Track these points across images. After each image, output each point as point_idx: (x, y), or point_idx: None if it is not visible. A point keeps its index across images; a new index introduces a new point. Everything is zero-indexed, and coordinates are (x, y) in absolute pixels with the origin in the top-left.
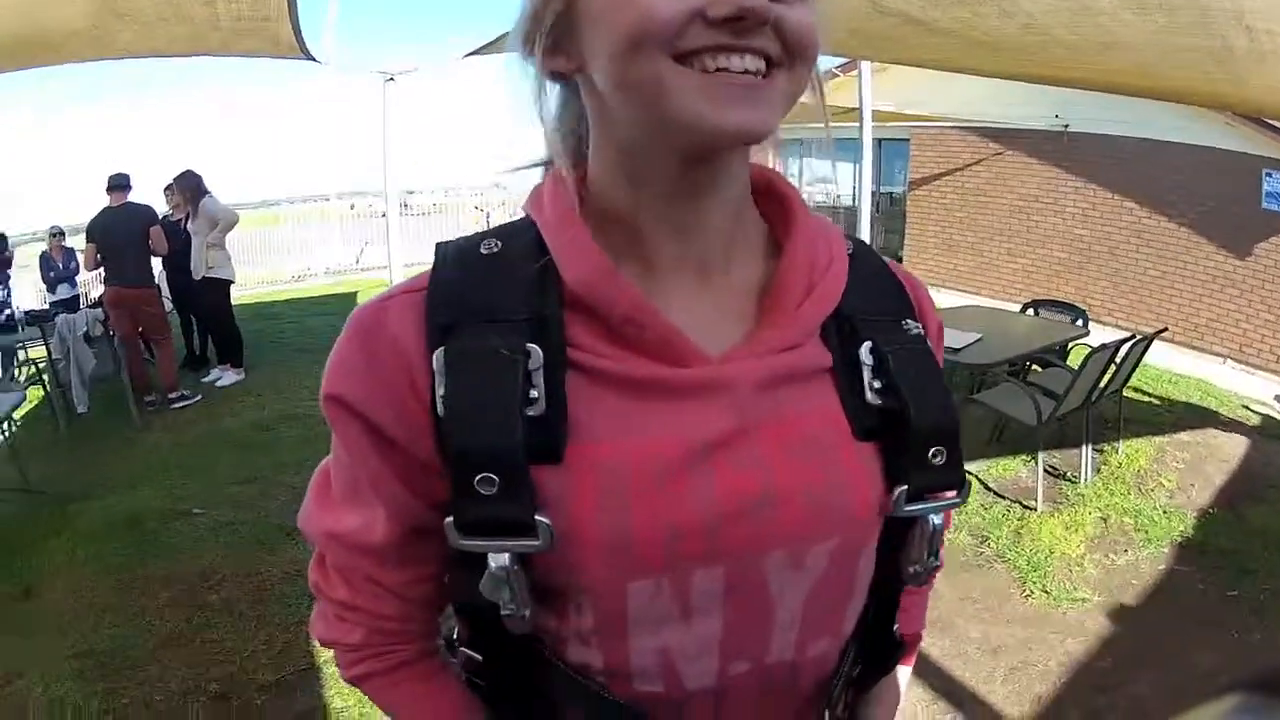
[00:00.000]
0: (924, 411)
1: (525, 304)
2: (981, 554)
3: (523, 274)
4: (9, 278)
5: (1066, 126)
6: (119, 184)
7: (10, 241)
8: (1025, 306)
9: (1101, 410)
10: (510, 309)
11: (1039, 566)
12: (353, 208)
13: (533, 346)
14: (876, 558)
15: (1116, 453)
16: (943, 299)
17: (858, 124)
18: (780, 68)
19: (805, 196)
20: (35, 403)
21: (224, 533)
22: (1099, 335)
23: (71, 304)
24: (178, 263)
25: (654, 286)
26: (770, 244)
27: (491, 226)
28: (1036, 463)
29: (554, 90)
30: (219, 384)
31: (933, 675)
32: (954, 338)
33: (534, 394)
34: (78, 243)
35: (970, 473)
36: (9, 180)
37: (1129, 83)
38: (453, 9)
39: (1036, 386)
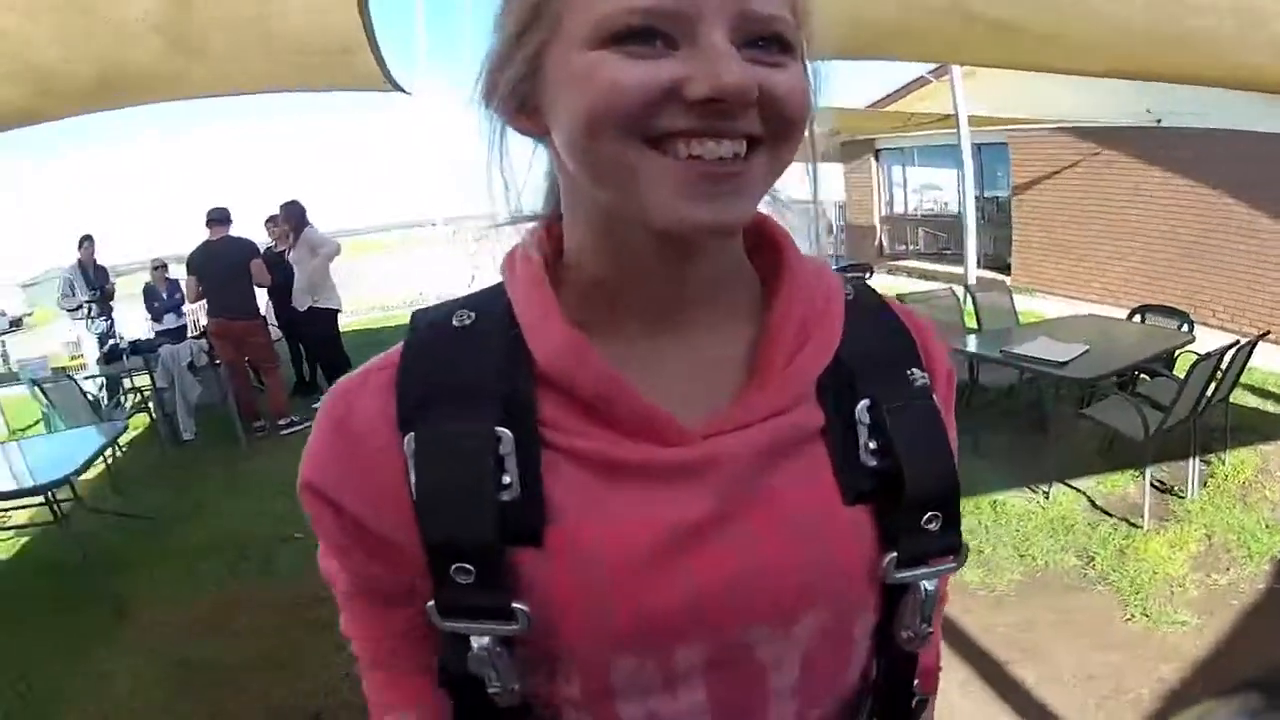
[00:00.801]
0: (920, 475)
1: (496, 382)
2: (1085, 575)
3: (494, 348)
4: (112, 309)
5: (1159, 121)
6: (218, 218)
7: (111, 273)
8: (1132, 313)
9: (1209, 419)
10: (481, 388)
11: (1141, 588)
12: (455, 233)
13: (503, 431)
14: (878, 629)
15: (1223, 464)
16: (1051, 306)
17: (955, 130)
18: (763, 144)
19: (915, 204)
20: (140, 430)
21: None
22: (1205, 337)
23: (178, 333)
24: (282, 293)
25: (632, 355)
26: (762, 297)
27: (479, 290)
28: (1144, 478)
29: (526, 141)
30: None
31: (1024, 704)
32: (1061, 350)
33: (507, 479)
34: (179, 273)
35: (1080, 490)
36: (109, 214)
37: (1209, 74)
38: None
39: (1144, 398)
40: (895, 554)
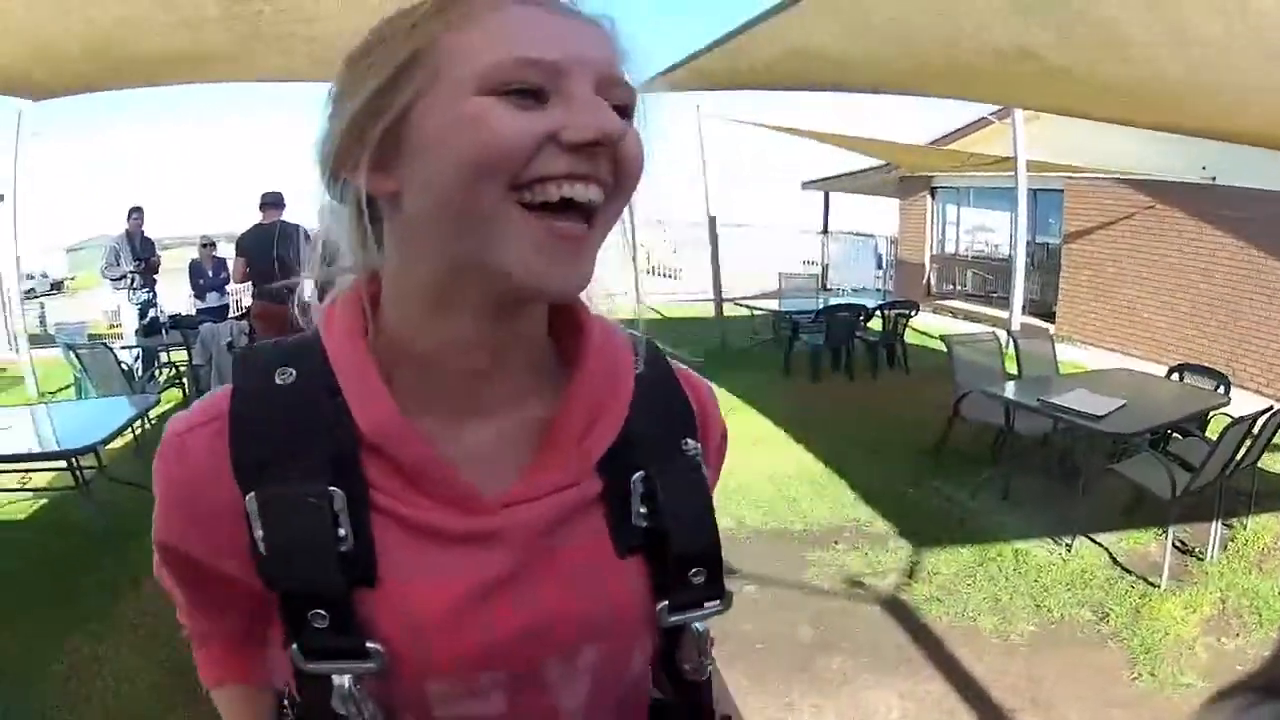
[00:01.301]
0: (685, 538)
1: (323, 444)
2: (1099, 631)
3: (318, 409)
4: (155, 282)
5: (1214, 179)
6: (272, 202)
7: (157, 245)
8: (1171, 371)
9: (1235, 483)
10: (310, 448)
11: (1152, 648)
12: None
13: (335, 490)
14: (665, 661)
15: (1245, 529)
16: (1093, 357)
17: (1012, 173)
18: (607, 201)
19: (966, 244)
20: (172, 405)
21: None
22: (1240, 400)
23: (220, 312)
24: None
25: (442, 428)
26: (560, 369)
27: (293, 339)
28: (1166, 537)
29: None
30: None
31: None
32: (1098, 404)
33: (342, 532)
34: (227, 253)
35: (1102, 545)
36: (164, 186)
37: (1263, 135)
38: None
39: (1174, 457)
40: (666, 602)
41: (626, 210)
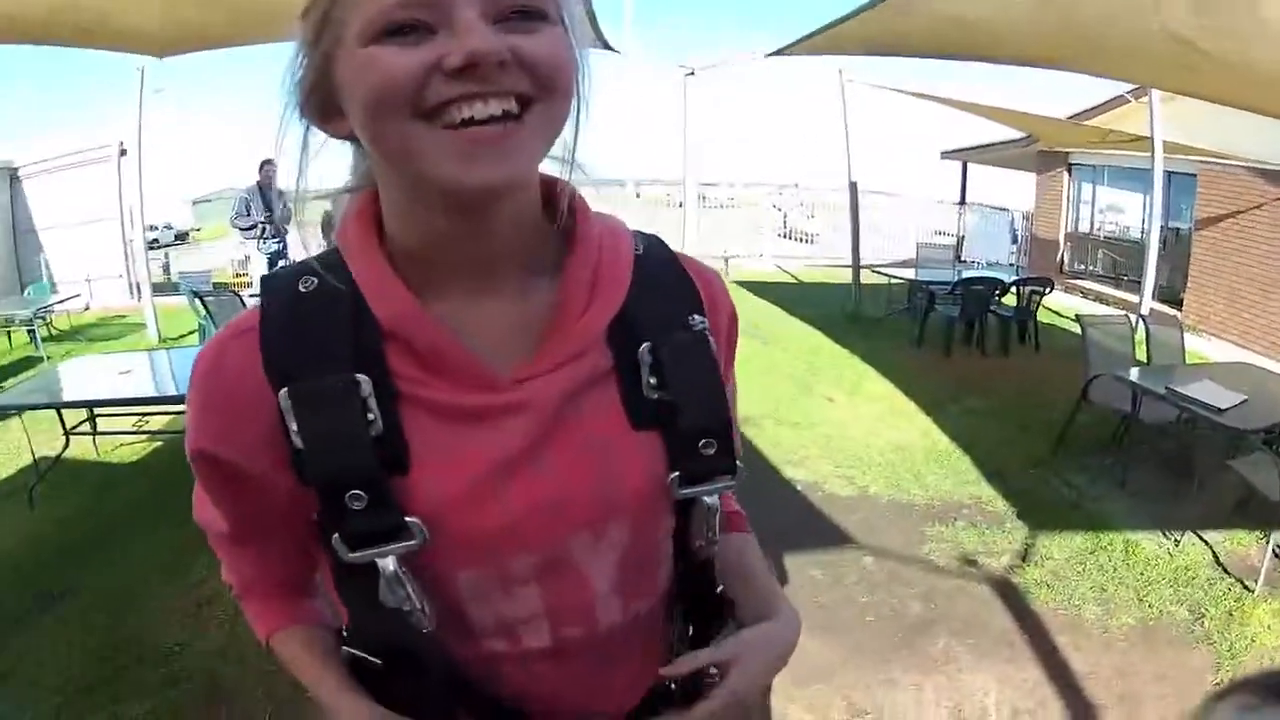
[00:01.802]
0: (693, 406)
1: (347, 338)
2: (1192, 632)
3: (340, 308)
4: (287, 232)
5: None
6: None
7: (289, 197)
8: None
9: None
10: (335, 344)
11: (1238, 654)
12: (639, 195)
13: (361, 377)
14: (677, 538)
15: None
16: (1215, 349)
17: (1147, 154)
18: (533, 102)
19: (1098, 224)
20: None
21: None
22: None
23: None
24: None
25: (452, 314)
26: (563, 255)
27: (315, 256)
28: (1268, 541)
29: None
30: None
31: None
32: (1220, 396)
33: (371, 417)
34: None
35: (1208, 543)
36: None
37: None
38: (756, 7)
39: None
40: (677, 473)
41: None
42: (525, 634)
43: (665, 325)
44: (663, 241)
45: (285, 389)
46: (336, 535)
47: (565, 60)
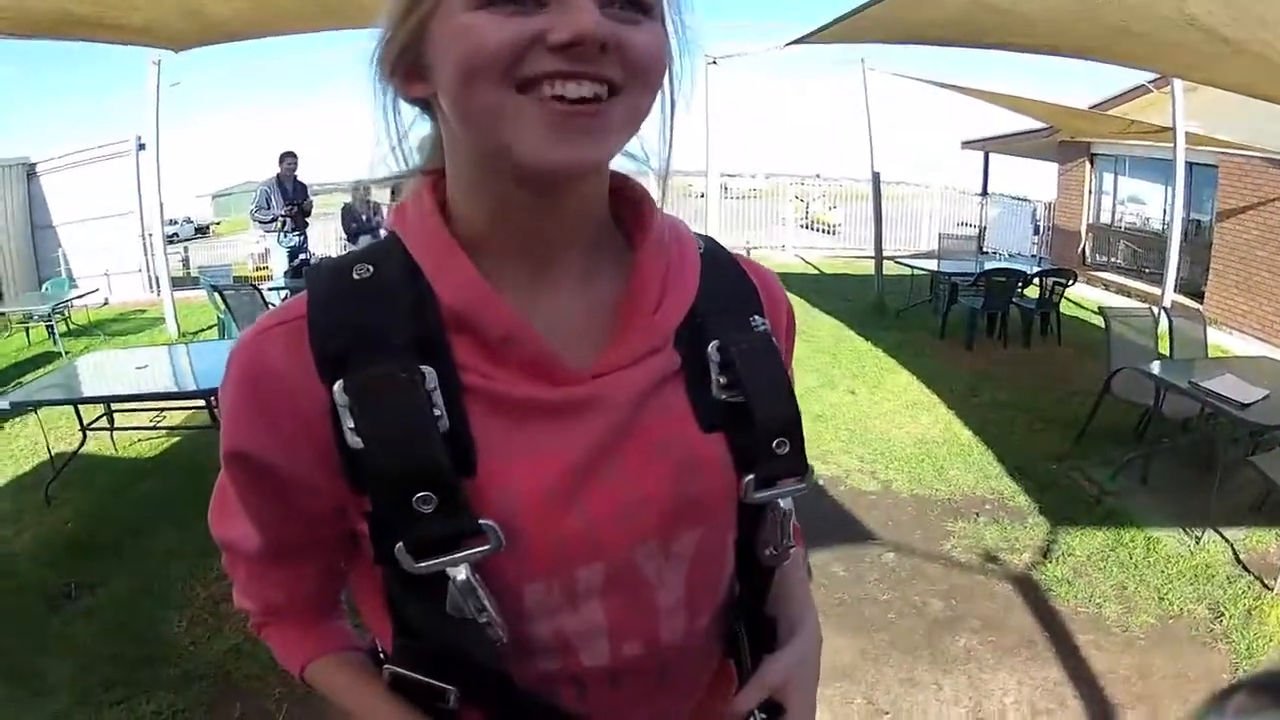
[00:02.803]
0: (765, 406)
1: (408, 327)
2: (1212, 630)
3: (400, 296)
4: (307, 225)
5: None
6: None
7: (311, 189)
8: None
9: None
10: (396, 334)
11: (1256, 654)
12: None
13: (426, 369)
14: (743, 545)
15: None
16: (1237, 343)
17: (1169, 144)
18: (621, 92)
19: (1119, 215)
20: None
21: None
22: None
23: None
24: None
25: (521, 302)
26: (627, 251)
27: (364, 247)
28: None
29: (413, 110)
30: None
31: None
32: (1242, 391)
33: (438, 412)
34: (383, 197)
35: (1228, 540)
36: (321, 133)
37: None
38: None
39: None
40: (753, 476)
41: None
42: (584, 652)
43: (732, 325)
44: (718, 243)
45: (340, 382)
46: (400, 545)
47: (659, 57)
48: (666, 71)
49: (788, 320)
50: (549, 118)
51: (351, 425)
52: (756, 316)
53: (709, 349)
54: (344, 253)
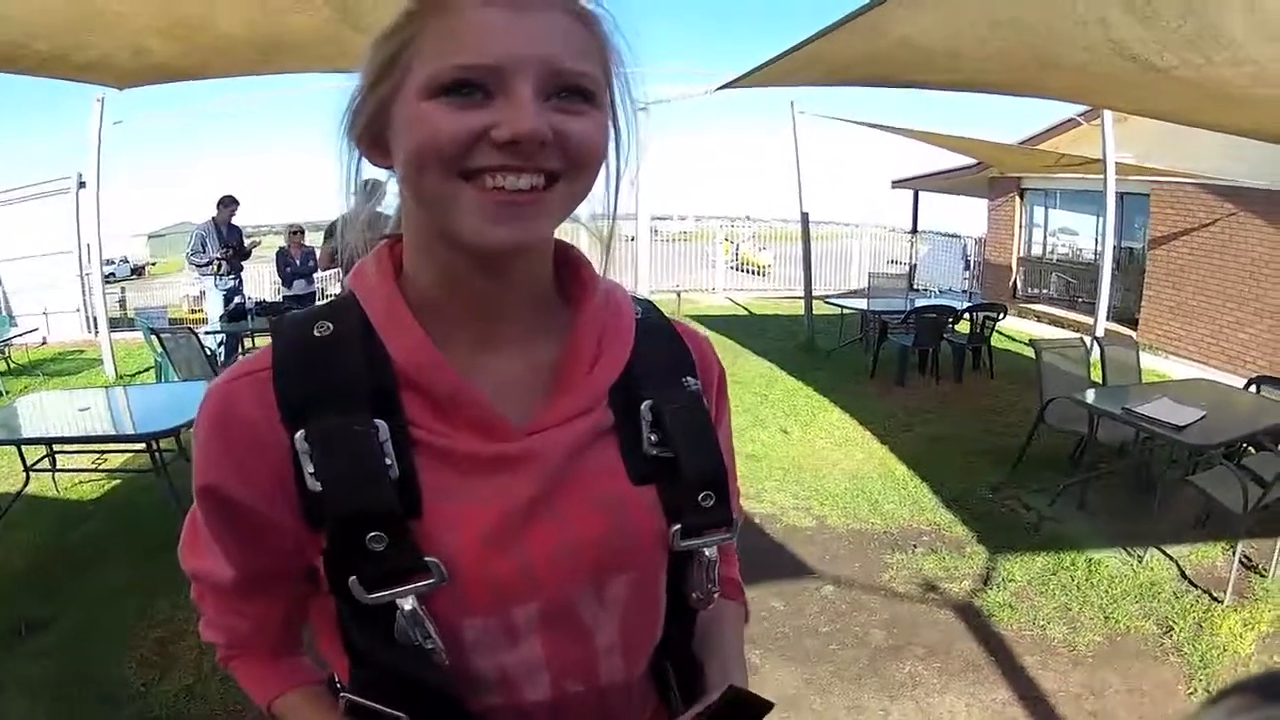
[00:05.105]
0: (693, 461)
1: (364, 383)
2: (1162, 645)
3: (357, 354)
4: (243, 268)
5: None
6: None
7: (246, 233)
8: (1249, 383)
9: None
10: (352, 389)
11: (1210, 664)
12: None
13: (379, 422)
14: (672, 589)
15: None
16: (1173, 367)
17: (1099, 176)
18: (560, 179)
19: (1051, 247)
20: None
21: None
22: None
23: (306, 300)
24: None
25: (467, 363)
26: (567, 313)
27: (330, 301)
28: (1234, 552)
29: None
30: None
31: None
32: (1178, 414)
33: (389, 461)
34: (316, 240)
35: (1172, 558)
36: (253, 176)
37: None
38: (705, 42)
39: (1248, 471)
40: (679, 525)
41: (612, 193)
42: (526, 687)
43: (663, 385)
44: (655, 305)
45: (302, 431)
46: (354, 578)
47: (598, 145)
48: (609, 151)
49: (719, 381)
50: (490, 206)
51: (312, 470)
52: (689, 378)
53: (642, 408)
54: (302, 308)
